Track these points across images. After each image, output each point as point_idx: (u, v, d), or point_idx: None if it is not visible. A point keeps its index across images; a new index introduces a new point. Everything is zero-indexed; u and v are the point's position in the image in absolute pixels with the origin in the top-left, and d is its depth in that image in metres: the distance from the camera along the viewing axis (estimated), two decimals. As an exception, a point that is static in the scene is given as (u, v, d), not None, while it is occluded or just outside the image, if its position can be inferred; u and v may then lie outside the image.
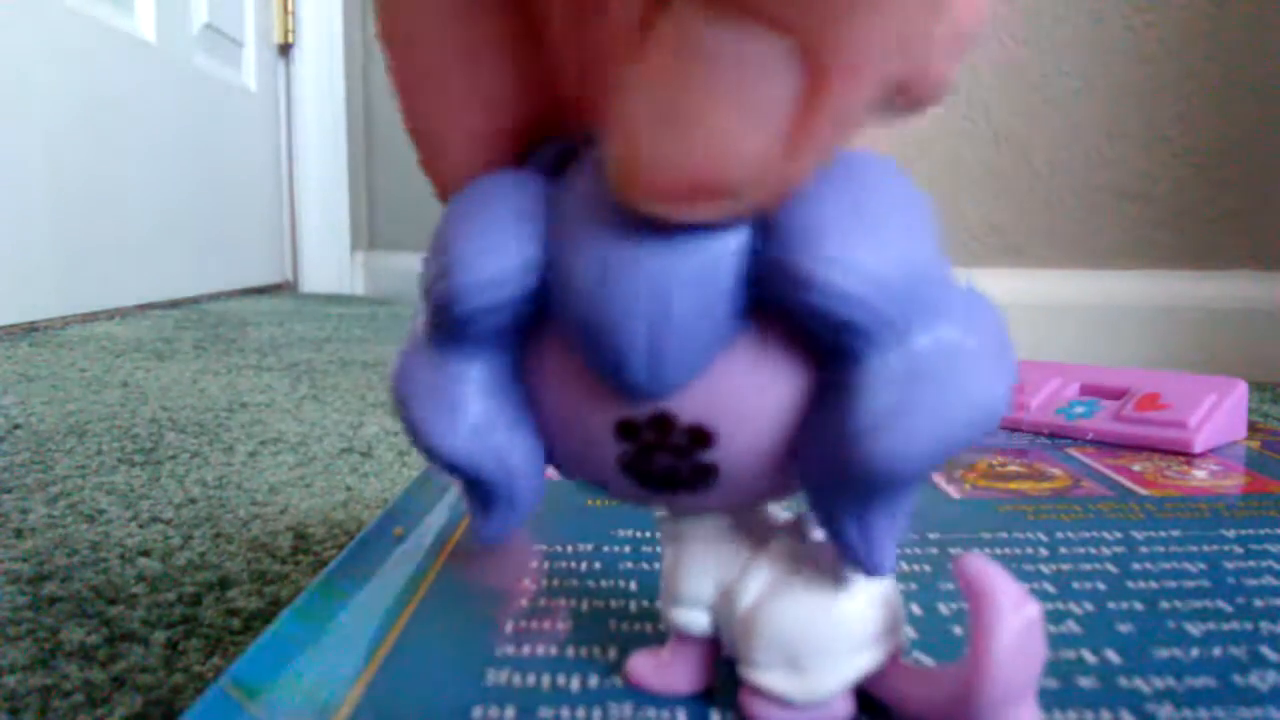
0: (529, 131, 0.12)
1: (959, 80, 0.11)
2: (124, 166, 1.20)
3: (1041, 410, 0.33)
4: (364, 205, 1.80)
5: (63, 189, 1.06)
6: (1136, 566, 0.19)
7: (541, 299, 0.10)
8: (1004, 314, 0.10)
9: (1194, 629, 0.16)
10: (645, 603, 0.17)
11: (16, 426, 0.54)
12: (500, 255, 0.10)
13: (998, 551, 0.20)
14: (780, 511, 0.13)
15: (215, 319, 1.17)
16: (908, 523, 0.11)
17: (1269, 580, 0.18)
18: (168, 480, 0.43)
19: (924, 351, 0.09)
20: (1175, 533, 0.21)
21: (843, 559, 0.11)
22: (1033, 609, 0.11)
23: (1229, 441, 0.30)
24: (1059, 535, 0.21)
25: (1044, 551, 0.20)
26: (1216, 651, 0.15)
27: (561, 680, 0.14)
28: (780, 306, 0.10)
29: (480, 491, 0.12)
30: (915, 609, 0.16)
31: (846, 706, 0.12)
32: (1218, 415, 0.29)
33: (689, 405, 0.10)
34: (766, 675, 0.12)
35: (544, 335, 0.11)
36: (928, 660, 0.14)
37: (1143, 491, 0.24)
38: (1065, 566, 0.19)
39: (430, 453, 0.11)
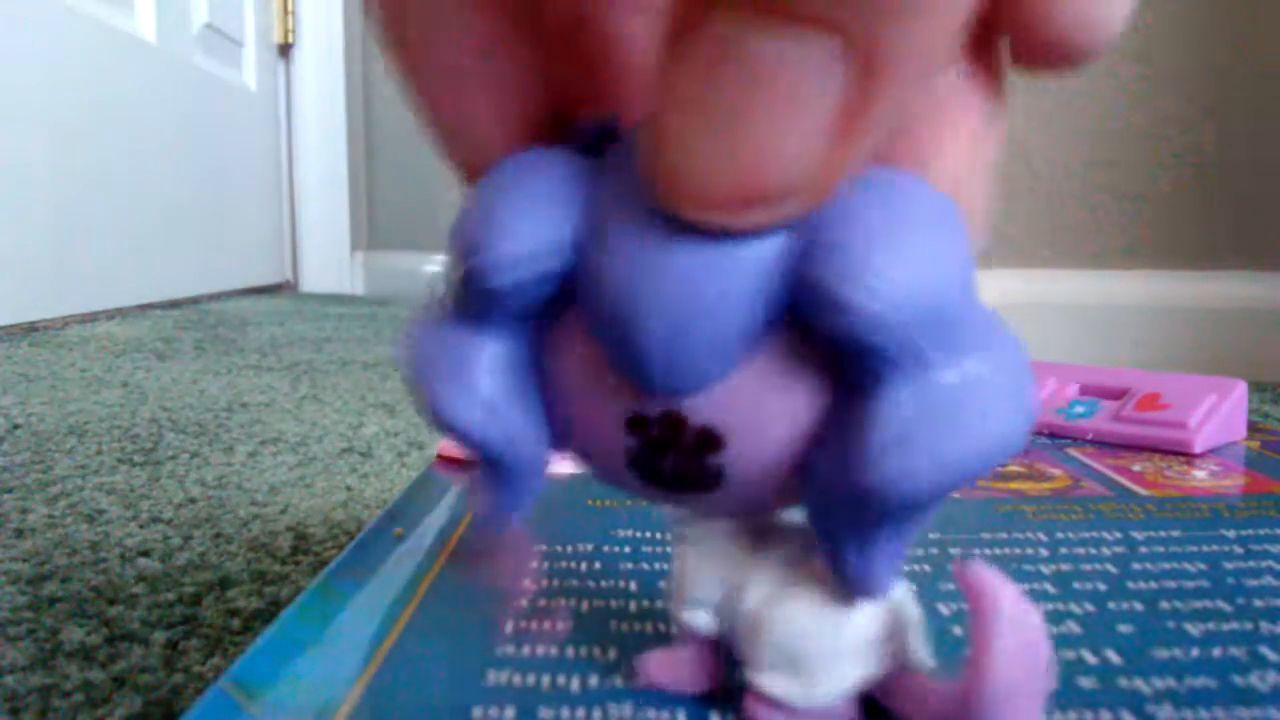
0: (564, 107, 0.12)
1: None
2: (124, 166, 1.20)
3: (1041, 410, 0.33)
4: (364, 205, 1.80)
5: (63, 189, 1.06)
6: (1136, 566, 0.19)
7: (569, 280, 0.10)
8: (1022, 344, 0.10)
9: (1194, 629, 0.16)
10: (645, 603, 0.17)
11: (16, 426, 0.54)
12: (536, 231, 0.10)
13: (998, 551, 0.20)
14: (790, 514, 0.13)
15: (215, 319, 1.17)
16: (907, 550, 0.11)
17: (1269, 580, 0.18)
18: (168, 480, 0.43)
19: (948, 384, 0.09)
20: (1175, 533, 0.21)
21: (838, 577, 0.11)
22: (1035, 615, 0.11)
23: (1229, 441, 0.30)
24: (1059, 535, 0.21)
25: (1044, 551, 0.20)
26: (1216, 652, 0.15)
27: (561, 680, 0.14)
28: (807, 322, 0.09)
29: (486, 469, 0.12)
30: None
31: (849, 712, 0.12)
32: (1218, 415, 0.29)
33: (703, 408, 0.10)
34: (768, 677, 0.12)
35: (566, 317, 0.11)
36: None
37: (1143, 491, 0.24)
38: (1065, 566, 0.19)
39: (440, 423, 0.11)
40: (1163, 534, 0.21)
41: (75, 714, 0.22)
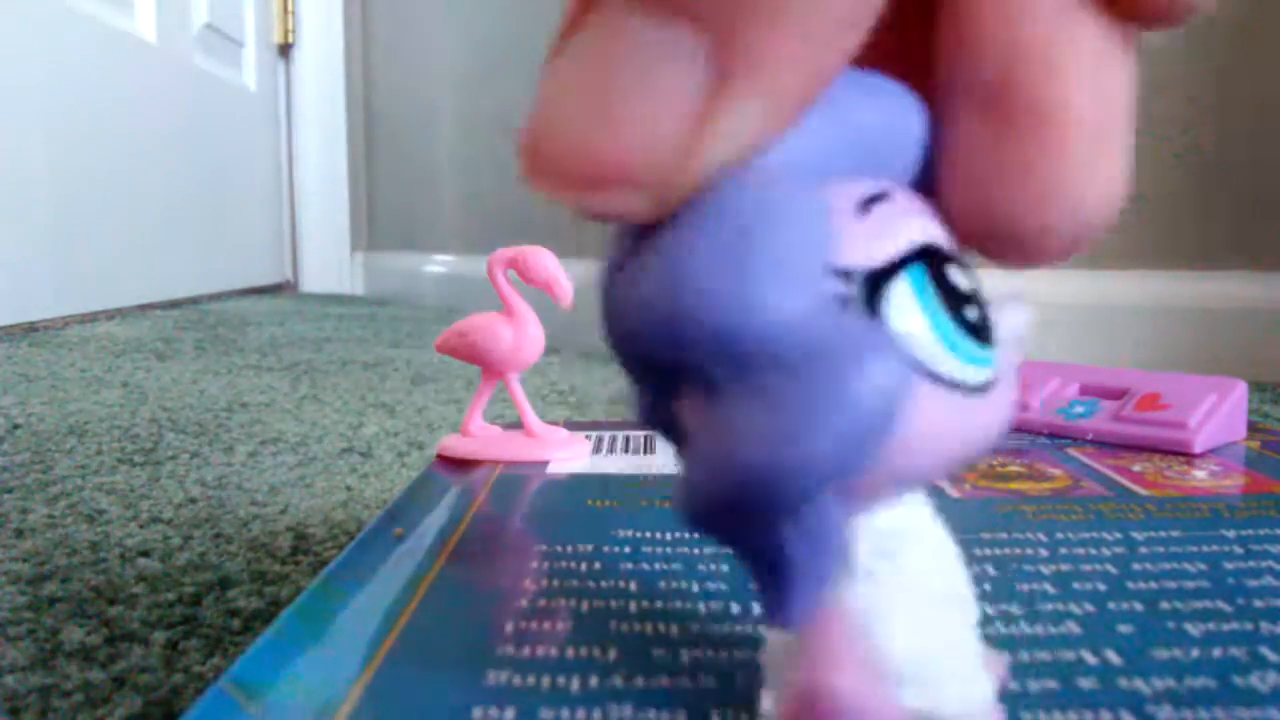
0: None
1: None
2: (124, 167, 1.20)
3: (1041, 410, 0.33)
4: (364, 205, 1.80)
5: (63, 189, 1.06)
6: (1136, 567, 0.19)
7: None
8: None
9: (1194, 629, 0.16)
10: (645, 603, 0.17)
11: (16, 426, 0.54)
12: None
13: (998, 552, 0.20)
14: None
15: (215, 319, 1.17)
16: (830, 574, 0.10)
17: (1269, 580, 0.18)
18: (168, 480, 0.43)
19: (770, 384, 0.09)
20: (1175, 533, 0.21)
21: (763, 606, 0.10)
22: None
23: (1229, 441, 0.30)
24: (1059, 535, 0.21)
25: (1044, 552, 0.20)
26: (1216, 652, 0.15)
27: (561, 680, 0.14)
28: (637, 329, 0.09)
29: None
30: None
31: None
32: (1218, 415, 0.29)
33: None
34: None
35: None
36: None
37: (1143, 492, 0.24)
38: (1065, 567, 0.19)
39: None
40: (1163, 534, 0.21)
41: (75, 714, 0.22)
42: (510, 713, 0.13)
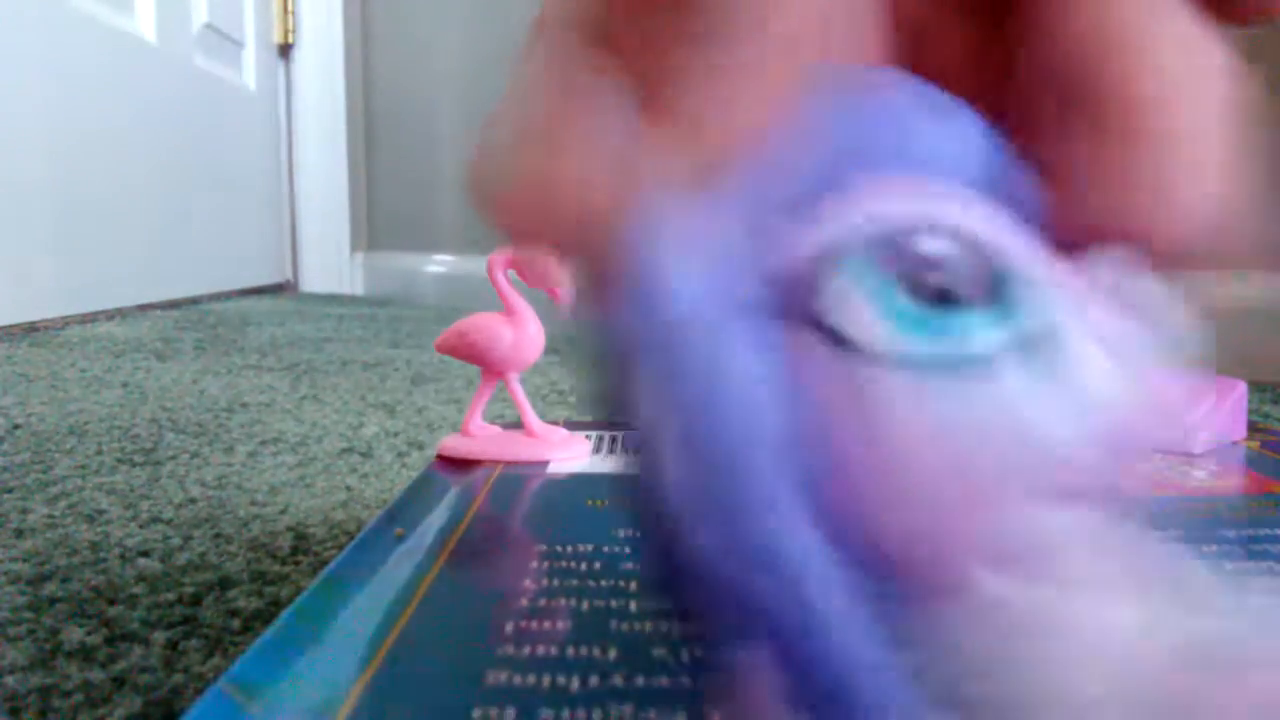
0: None
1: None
2: (124, 167, 1.20)
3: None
4: (364, 205, 1.80)
5: (63, 189, 1.06)
6: (1136, 566, 0.19)
7: None
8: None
9: (1194, 629, 0.16)
10: (645, 603, 0.17)
11: (16, 426, 0.54)
12: None
13: (998, 551, 0.20)
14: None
15: (215, 319, 1.17)
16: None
17: (1269, 581, 0.18)
18: (168, 480, 0.43)
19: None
20: (1175, 533, 0.21)
21: None
22: None
23: (1229, 441, 0.30)
24: (1059, 535, 0.21)
25: (1044, 551, 0.20)
26: (1216, 651, 0.15)
27: (561, 680, 0.14)
28: None
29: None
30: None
31: None
32: (1218, 415, 0.29)
33: None
34: None
35: None
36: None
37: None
38: (1065, 566, 0.19)
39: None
40: (1162, 534, 0.21)
41: (75, 714, 0.22)
42: (510, 713, 0.13)
